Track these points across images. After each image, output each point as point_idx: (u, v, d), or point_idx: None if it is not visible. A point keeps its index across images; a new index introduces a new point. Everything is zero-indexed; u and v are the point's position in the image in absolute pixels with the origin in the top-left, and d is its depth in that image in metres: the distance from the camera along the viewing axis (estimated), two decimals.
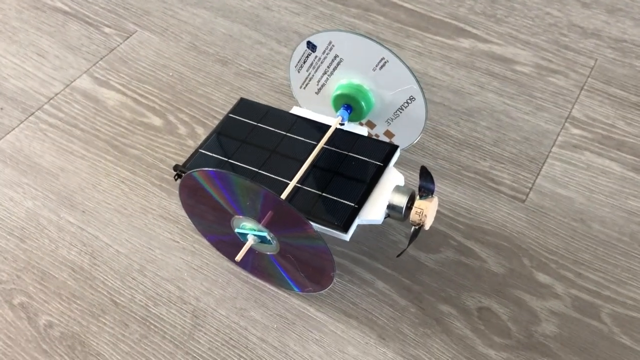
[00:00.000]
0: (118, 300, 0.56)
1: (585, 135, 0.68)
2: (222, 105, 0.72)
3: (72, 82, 0.75)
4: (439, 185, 0.64)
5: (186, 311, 0.55)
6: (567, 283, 0.56)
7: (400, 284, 0.56)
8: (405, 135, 0.62)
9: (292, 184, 0.52)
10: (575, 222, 0.61)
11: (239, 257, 0.49)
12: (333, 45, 0.58)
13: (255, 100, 0.72)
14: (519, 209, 0.62)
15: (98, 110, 0.72)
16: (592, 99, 0.72)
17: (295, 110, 0.60)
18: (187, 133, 0.69)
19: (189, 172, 0.49)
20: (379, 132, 0.63)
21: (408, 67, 0.56)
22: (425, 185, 0.51)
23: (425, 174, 0.51)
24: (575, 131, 0.69)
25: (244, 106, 0.60)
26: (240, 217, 0.50)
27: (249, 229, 0.50)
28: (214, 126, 0.69)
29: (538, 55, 0.77)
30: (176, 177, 0.55)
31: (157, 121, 0.71)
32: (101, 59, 0.78)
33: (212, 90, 0.74)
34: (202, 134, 0.69)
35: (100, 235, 0.60)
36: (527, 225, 0.61)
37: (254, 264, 0.55)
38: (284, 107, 0.72)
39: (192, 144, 0.68)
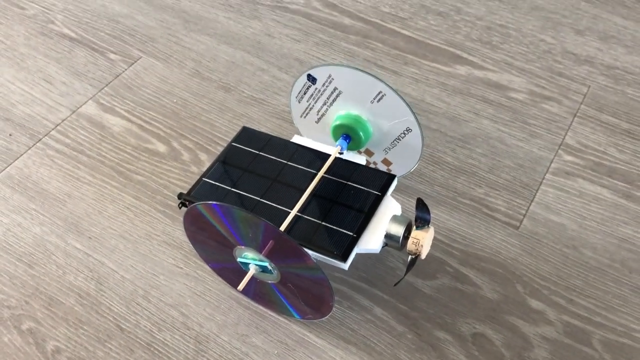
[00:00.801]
0: (123, 326, 0.58)
1: (578, 162, 0.70)
2: (225, 132, 0.74)
3: (78, 108, 0.77)
4: (435, 212, 0.65)
5: (189, 337, 0.57)
6: (559, 309, 0.58)
7: (398, 310, 0.58)
8: (402, 163, 0.64)
9: (292, 213, 0.54)
10: (567, 248, 0.63)
11: (241, 287, 0.51)
12: (332, 79, 0.60)
13: (258, 127, 0.74)
14: (513, 235, 0.64)
15: (104, 137, 0.74)
16: (584, 125, 0.74)
17: (296, 139, 0.62)
18: (191, 159, 0.71)
19: (194, 204, 0.51)
20: (377, 160, 0.65)
21: (404, 101, 0.58)
22: (422, 216, 0.53)
23: (422, 206, 0.52)
24: (568, 158, 0.71)
25: (246, 135, 0.62)
26: (242, 247, 0.52)
27: (251, 258, 0.52)
28: (217, 153, 0.71)
29: (532, 82, 0.79)
30: (180, 205, 0.57)
31: (161, 147, 0.73)
32: (107, 85, 0.80)
33: (215, 117, 0.76)
34: (206, 160, 0.71)
35: (106, 261, 0.62)
36: (521, 251, 0.62)
37: (256, 291, 0.57)
38: (285, 133, 0.74)
39: (196, 170, 0.70)
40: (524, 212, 0.66)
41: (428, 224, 0.53)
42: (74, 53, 0.84)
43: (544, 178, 0.69)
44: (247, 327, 0.57)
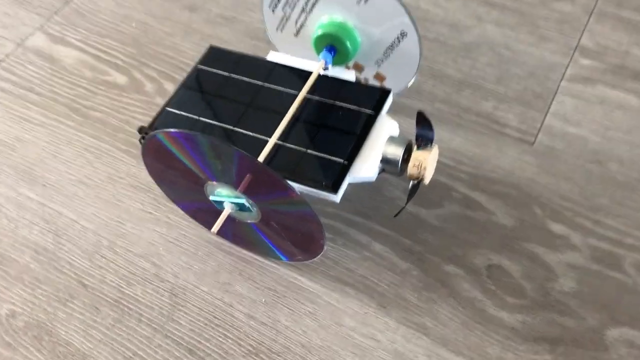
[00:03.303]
0: (87, 282, 0.50)
1: (597, 66, 0.61)
2: (192, 57, 0.65)
3: (24, 40, 0.67)
4: (438, 132, 0.57)
5: (164, 290, 0.50)
6: (584, 232, 0.51)
7: (400, 245, 0.51)
8: (398, 77, 0.55)
9: (272, 141, 0.46)
10: (590, 163, 0.55)
11: (214, 229, 0.44)
12: None
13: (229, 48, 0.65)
14: (528, 152, 0.56)
15: (55, 71, 0.64)
16: (602, 24, 0.65)
17: (272, 56, 0.53)
18: (155, 90, 0.62)
19: (152, 133, 0.42)
20: (368, 76, 0.56)
21: None
22: (423, 133, 0.44)
23: (423, 121, 0.44)
24: (586, 62, 0.62)
25: (214, 55, 0.53)
26: (214, 183, 0.44)
27: (225, 196, 0.44)
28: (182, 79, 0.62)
29: None
30: (142, 140, 0.49)
31: (121, 79, 0.63)
32: (56, 12, 0.70)
33: (180, 41, 0.66)
34: (172, 90, 0.62)
35: (65, 210, 0.54)
36: (538, 170, 0.55)
37: (235, 232, 0.49)
38: (261, 54, 0.64)
39: (161, 102, 0.61)
40: (538, 125, 0.57)
41: (431, 143, 0.45)
42: None
43: (559, 86, 0.60)
44: (230, 275, 0.50)
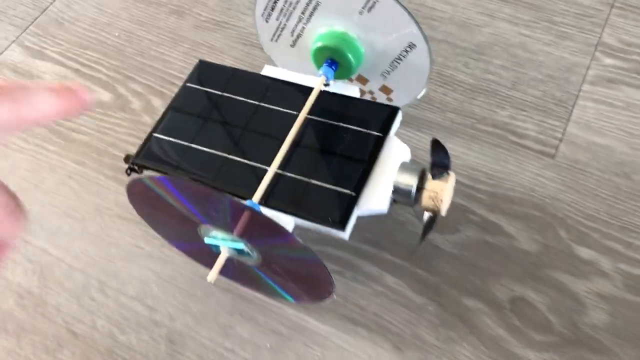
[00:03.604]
0: (77, 330, 0.46)
1: (621, 66, 0.56)
2: (181, 69, 0.60)
3: None
4: (450, 146, 0.52)
5: (159, 336, 0.46)
6: (614, 256, 0.47)
7: (414, 277, 0.47)
8: (406, 88, 0.50)
9: (270, 172, 0.41)
10: (617, 177, 0.50)
11: (211, 277, 0.39)
12: None
13: (221, 58, 0.60)
14: (549, 166, 0.51)
15: None
16: (625, 18, 0.59)
17: (268, 71, 0.48)
18: (142, 107, 0.58)
19: (135, 179, 0.38)
20: (374, 88, 0.51)
21: (404, 7, 0.43)
22: (439, 161, 0.40)
23: (438, 148, 0.40)
24: (608, 61, 0.57)
25: (204, 70, 0.48)
26: (208, 225, 0.39)
27: (221, 239, 0.40)
28: (172, 94, 0.58)
29: None
30: (129, 171, 0.44)
31: (105, 95, 0.59)
32: (32, 22, 0.65)
33: (168, 50, 0.61)
34: (160, 106, 0.57)
35: (49, 247, 0.50)
36: (561, 186, 0.50)
37: (237, 270, 0.45)
38: (256, 63, 0.60)
39: (149, 121, 0.56)
40: (559, 135, 0.53)
41: (447, 171, 0.40)
42: None
43: (580, 90, 0.55)
44: (230, 316, 0.46)
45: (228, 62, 0.60)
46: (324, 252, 0.48)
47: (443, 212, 0.41)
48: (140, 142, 0.55)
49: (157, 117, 0.56)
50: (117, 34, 0.63)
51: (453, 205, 0.49)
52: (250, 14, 0.63)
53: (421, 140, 0.53)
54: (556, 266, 0.47)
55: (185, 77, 0.59)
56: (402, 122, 0.45)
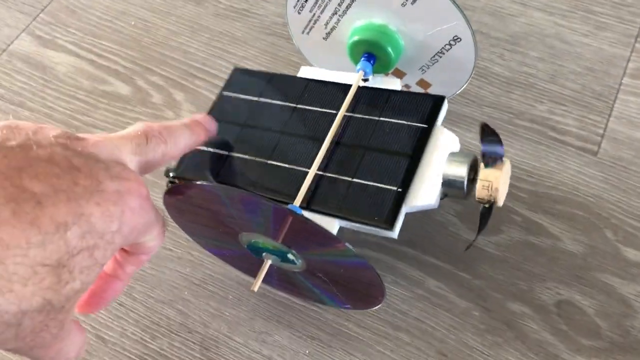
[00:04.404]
0: (106, 337, 0.44)
1: None
2: (202, 60, 0.57)
3: (9, 45, 0.59)
4: None
5: (193, 342, 0.44)
6: None
7: (457, 280, 0.45)
8: (446, 83, 0.48)
9: (311, 174, 0.39)
10: None
11: (255, 287, 0.37)
12: None
13: (245, 48, 0.57)
14: (592, 164, 0.49)
15: (47, 81, 0.57)
16: None
17: (304, 72, 0.46)
18: (164, 101, 0.55)
19: (174, 186, 0.36)
20: (411, 82, 0.49)
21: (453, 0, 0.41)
22: (490, 148, 0.37)
23: (488, 134, 0.37)
24: None
25: (239, 78, 0.46)
26: (251, 232, 0.37)
27: (263, 246, 0.38)
28: (195, 89, 0.55)
29: None
30: (169, 184, 0.42)
31: (123, 88, 0.56)
32: (42, 10, 0.62)
33: (188, 40, 0.59)
34: (183, 100, 0.55)
35: None
36: (605, 185, 0.48)
37: (277, 274, 0.43)
38: (281, 54, 0.57)
39: (172, 116, 0.54)
40: (601, 131, 0.51)
41: (501, 158, 0.38)
42: None
43: (621, 83, 0.53)
44: (266, 322, 0.44)
45: (251, 53, 0.57)
46: (363, 255, 0.46)
47: (500, 202, 0.39)
48: None
49: (181, 112, 0.54)
50: (133, 23, 0.60)
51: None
52: (273, 2, 0.60)
53: (459, 136, 0.50)
54: (603, 268, 0.45)
55: (206, 69, 0.57)
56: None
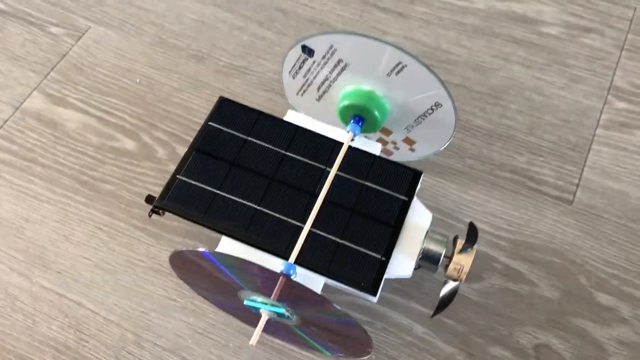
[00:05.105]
0: None
1: (633, 109, 0.58)
2: (203, 115, 0.61)
3: (21, 103, 0.63)
4: (472, 193, 0.54)
5: None
6: (633, 303, 0.49)
7: (443, 326, 0.48)
8: (430, 141, 0.52)
9: (305, 232, 0.42)
10: (633, 222, 0.52)
11: (254, 341, 0.41)
12: (335, 49, 0.46)
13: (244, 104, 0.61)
14: (567, 212, 0.53)
15: (58, 138, 0.60)
16: (635, 60, 0.61)
17: (291, 117, 0.49)
18: (168, 156, 0.59)
19: (178, 251, 0.39)
20: (397, 139, 0.53)
21: (433, 72, 0.45)
22: (470, 239, 0.42)
23: (472, 229, 0.42)
24: (621, 105, 0.59)
25: (226, 109, 0.48)
26: (247, 291, 0.41)
27: (260, 303, 0.41)
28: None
29: (566, 10, 0.65)
30: (151, 213, 0.44)
31: (129, 144, 0.60)
32: (52, 68, 0.66)
33: (190, 96, 0.62)
34: None
35: (84, 300, 0.51)
36: (579, 232, 0.52)
37: (275, 326, 0.46)
38: (277, 109, 0.61)
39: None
40: (576, 181, 0.55)
41: (473, 246, 0.42)
42: (6, 31, 0.69)
43: (594, 134, 0.57)
44: None
45: None
46: (354, 303, 0.49)
47: (463, 280, 0.43)
48: None
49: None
50: (138, 80, 0.64)
51: (477, 253, 0.51)
52: (270, 59, 0.64)
53: (443, 187, 0.54)
54: (578, 313, 0.48)
55: None
56: (418, 165, 0.46)
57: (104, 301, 0.51)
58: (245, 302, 0.42)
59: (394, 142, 0.53)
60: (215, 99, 0.62)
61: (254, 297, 0.41)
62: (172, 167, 0.58)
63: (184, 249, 0.39)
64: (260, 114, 0.48)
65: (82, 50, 0.67)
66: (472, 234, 0.42)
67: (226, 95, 0.62)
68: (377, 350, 0.48)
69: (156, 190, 0.57)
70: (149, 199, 0.43)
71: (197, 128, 0.60)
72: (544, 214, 0.53)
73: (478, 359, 0.47)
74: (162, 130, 0.60)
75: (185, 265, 0.42)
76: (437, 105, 0.47)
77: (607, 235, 0.52)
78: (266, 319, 0.41)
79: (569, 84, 0.60)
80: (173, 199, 0.43)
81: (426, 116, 0.49)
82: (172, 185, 0.44)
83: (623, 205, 0.53)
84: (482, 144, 0.57)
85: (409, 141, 0.52)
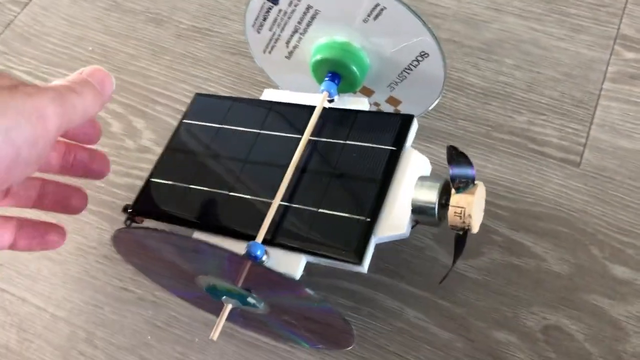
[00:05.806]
0: None
1: None
2: (164, 84, 0.54)
3: None
4: None
5: None
6: None
7: (438, 309, 0.42)
8: (416, 100, 0.45)
9: (273, 207, 0.36)
10: None
11: (214, 335, 0.35)
12: None
13: (208, 69, 0.55)
14: (575, 176, 0.47)
15: None
16: None
17: (268, 95, 0.43)
18: (124, 130, 0.52)
19: (121, 229, 0.33)
20: (380, 100, 0.47)
21: (415, 13, 0.38)
22: (460, 172, 0.35)
23: (457, 156, 0.35)
24: (630, 55, 0.53)
25: (201, 105, 0.43)
26: (207, 276, 0.35)
27: (223, 290, 0.35)
28: (157, 115, 0.53)
29: None
30: (128, 221, 0.39)
31: None
32: None
33: (148, 64, 0.56)
34: (143, 128, 0.52)
35: (28, 296, 0.45)
36: (589, 198, 0.46)
37: (242, 315, 0.40)
38: (246, 74, 0.55)
39: (132, 146, 0.51)
40: (583, 140, 0.49)
41: (473, 182, 0.35)
42: None
43: (601, 88, 0.51)
44: None
45: (215, 74, 0.54)
46: (337, 286, 0.43)
47: (475, 229, 0.36)
48: (124, 170, 0.50)
49: (141, 141, 0.51)
50: (90, 48, 0.57)
51: None
52: (236, 19, 0.58)
53: (434, 153, 0.48)
54: (591, 289, 0.42)
55: (168, 93, 0.54)
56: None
57: (51, 295, 0.45)
58: (206, 289, 0.36)
59: (377, 104, 0.47)
60: (176, 67, 0.55)
61: (214, 284, 0.35)
62: (129, 143, 0.51)
63: (127, 229, 0.32)
64: (234, 100, 0.43)
65: (28, 18, 0.60)
66: (458, 162, 0.34)
67: (188, 61, 0.55)
68: (363, 339, 0.42)
69: (111, 169, 0.50)
70: (126, 208, 0.39)
71: (158, 98, 0.54)
72: (548, 179, 0.47)
73: (479, 344, 0.41)
74: (118, 101, 0.54)
75: (134, 249, 0.36)
76: (423, 55, 0.41)
77: (620, 199, 0.46)
78: (229, 310, 0.35)
79: (570, 34, 0.54)
80: (146, 204, 0.39)
81: (411, 69, 0.42)
82: (144, 190, 0.39)
83: (637, 165, 0.47)
84: (477, 103, 0.51)
85: (393, 101, 0.46)
